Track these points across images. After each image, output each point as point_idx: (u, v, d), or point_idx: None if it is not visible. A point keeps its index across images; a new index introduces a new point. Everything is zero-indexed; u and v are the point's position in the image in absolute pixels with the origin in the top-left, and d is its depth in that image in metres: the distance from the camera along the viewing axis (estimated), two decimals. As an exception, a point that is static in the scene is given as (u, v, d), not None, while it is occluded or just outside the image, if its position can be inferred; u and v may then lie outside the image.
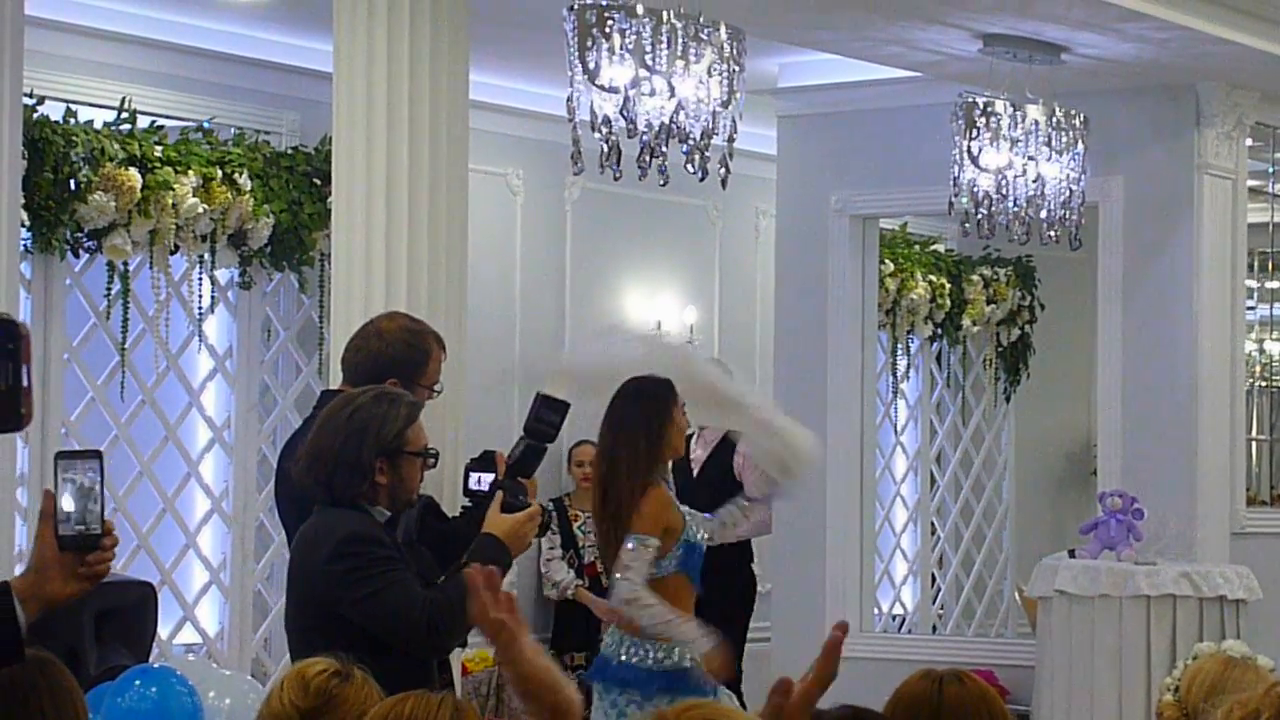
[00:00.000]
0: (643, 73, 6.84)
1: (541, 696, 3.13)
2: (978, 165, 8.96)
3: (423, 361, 5.88)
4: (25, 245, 8.89)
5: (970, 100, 8.99)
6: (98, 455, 3.28)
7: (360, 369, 5.89)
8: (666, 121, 6.87)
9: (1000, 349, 13.13)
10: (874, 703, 3.82)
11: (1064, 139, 9.07)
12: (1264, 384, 12.01)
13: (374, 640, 4.98)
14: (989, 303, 12.95)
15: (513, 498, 5.40)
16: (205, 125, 9.65)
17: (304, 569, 5.15)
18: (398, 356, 5.87)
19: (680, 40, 6.88)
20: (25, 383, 3.19)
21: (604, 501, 6.95)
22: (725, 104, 7.00)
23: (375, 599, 5.01)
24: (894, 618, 12.51)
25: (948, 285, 12.74)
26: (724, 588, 10.72)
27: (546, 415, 5.70)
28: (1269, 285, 12.09)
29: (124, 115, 9.22)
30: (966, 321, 12.84)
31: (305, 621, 5.17)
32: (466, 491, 5.74)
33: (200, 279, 9.51)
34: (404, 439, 5.13)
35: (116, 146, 9.02)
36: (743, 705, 9.01)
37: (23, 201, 7.47)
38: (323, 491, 5.15)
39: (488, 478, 5.64)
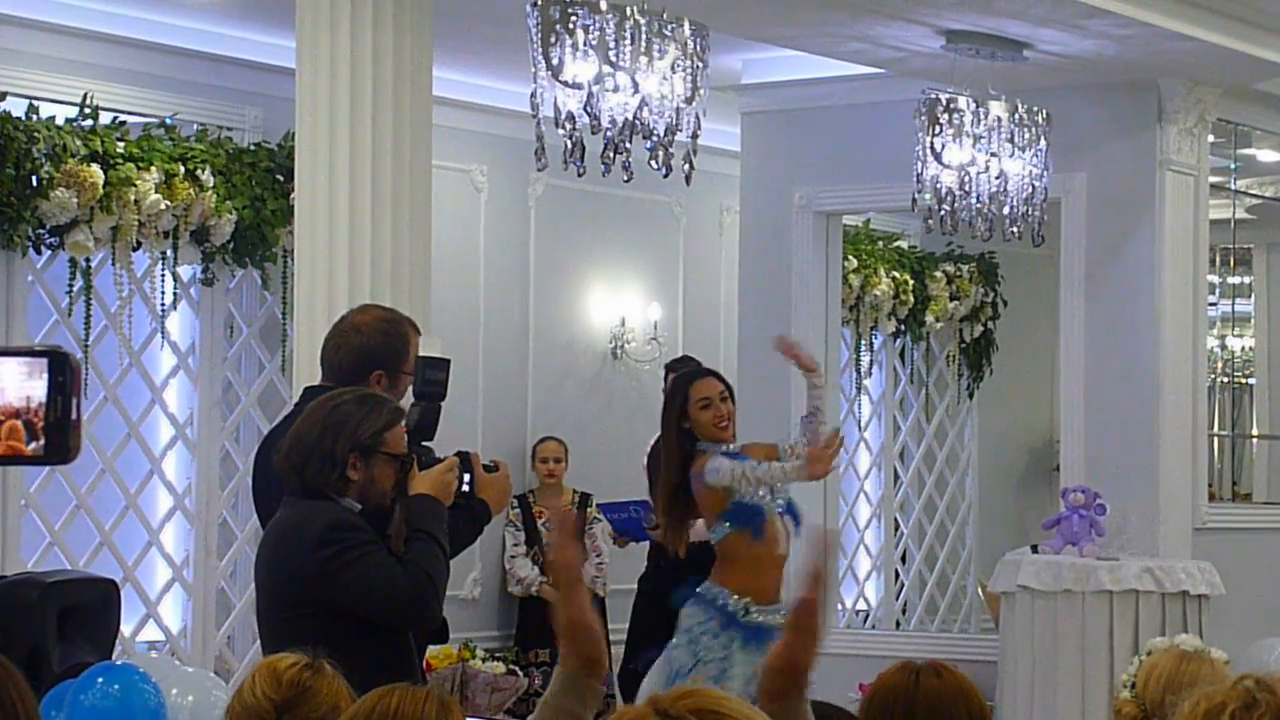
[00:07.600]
0: (606, 69, 6.84)
1: (582, 643, 3.33)
2: (941, 162, 8.97)
3: (403, 350, 5.91)
4: (-13, 242, 8.87)
5: (933, 97, 9.01)
6: None
7: (343, 366, 5.87)
8: (630, 118, 6.87)
9: (963, 345, 13.15)
10: (837, 697, 3.83)
11: (1026, 135, 9.09)
12: (1225, 380, 12.06)
13: (353, 628, 5.09)
14: (952, 299, 12.97)
15: (426, 460, 5.48)
16: (168, 121, 9.63)
17: (286, 559, 5.19)
18: (378, 348, 5.88)
19: (644, 36, 6.89)
20: (74, 415, 3.16)
21: None
22: (689, 100, 7.00)
23: (363, 580, 5.13)
24: (858, 613, 12.53)
25: (911, 281, 12.76)
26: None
27: (432, 374, 5.78)
28: (1230, 281, 12.14)
29: (86, 111, 9.19)
30: (930, 318, 12.86)
31: (282, 612, 5.20)
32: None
33: (163, 275, 9.49)
34: (381, 440, 5.24)
35: (78, 143, 8.99)
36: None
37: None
38: (295, 479, 5.25)
39: (466, 476, 5.68)
